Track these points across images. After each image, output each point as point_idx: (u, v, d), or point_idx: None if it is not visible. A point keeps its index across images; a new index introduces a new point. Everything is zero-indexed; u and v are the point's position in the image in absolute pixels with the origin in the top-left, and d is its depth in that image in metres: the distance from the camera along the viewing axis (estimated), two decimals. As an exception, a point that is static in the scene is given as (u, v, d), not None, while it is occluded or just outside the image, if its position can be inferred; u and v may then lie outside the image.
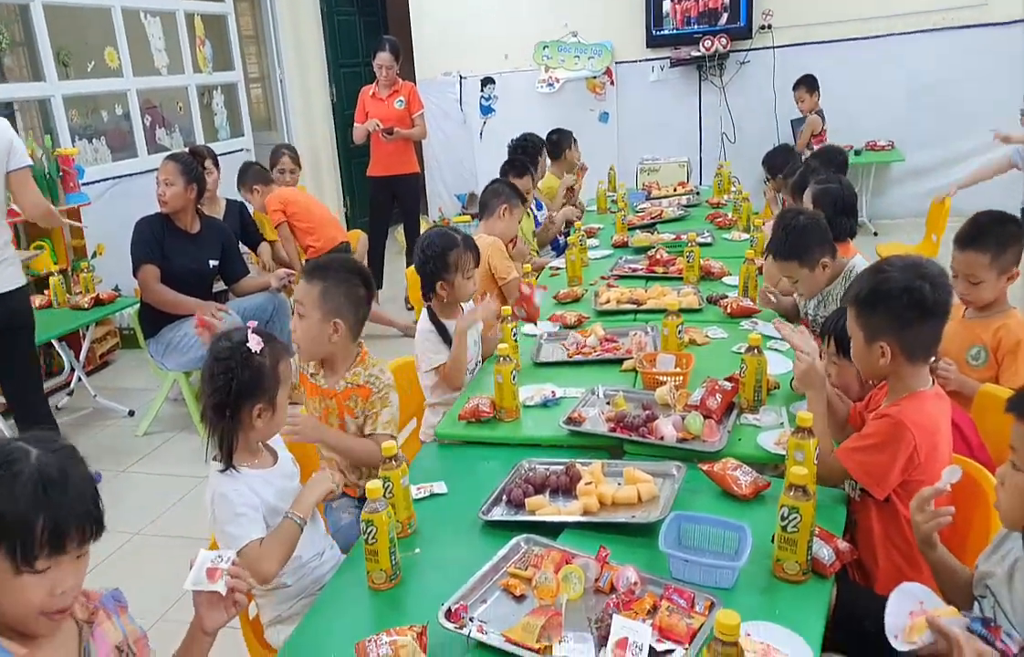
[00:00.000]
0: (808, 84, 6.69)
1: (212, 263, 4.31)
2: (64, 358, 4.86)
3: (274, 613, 1.88)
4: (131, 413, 4.64)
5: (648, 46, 7.65)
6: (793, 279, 2.80)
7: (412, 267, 4.13)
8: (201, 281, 4.23)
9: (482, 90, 8.25)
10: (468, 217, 7.62)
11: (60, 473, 1.16)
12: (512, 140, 5.05)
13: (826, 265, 2.75)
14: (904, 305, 1.83)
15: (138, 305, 4.33)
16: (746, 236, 4.40)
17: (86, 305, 4.46)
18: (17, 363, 3.47)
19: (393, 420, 2.32)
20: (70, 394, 4.93)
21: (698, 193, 5.75)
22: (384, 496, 1.68)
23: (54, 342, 4.69)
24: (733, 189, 5.64)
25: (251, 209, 5.15)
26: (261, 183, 5.11)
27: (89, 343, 5.00)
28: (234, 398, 1.76)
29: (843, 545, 1.67)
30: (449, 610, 1.49)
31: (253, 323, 1.85)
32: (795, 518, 1.54)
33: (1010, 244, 2.44)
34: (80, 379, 4.83)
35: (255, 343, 1.79)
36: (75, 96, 5.76)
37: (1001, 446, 1.69)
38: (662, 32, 7.56)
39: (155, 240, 4.08)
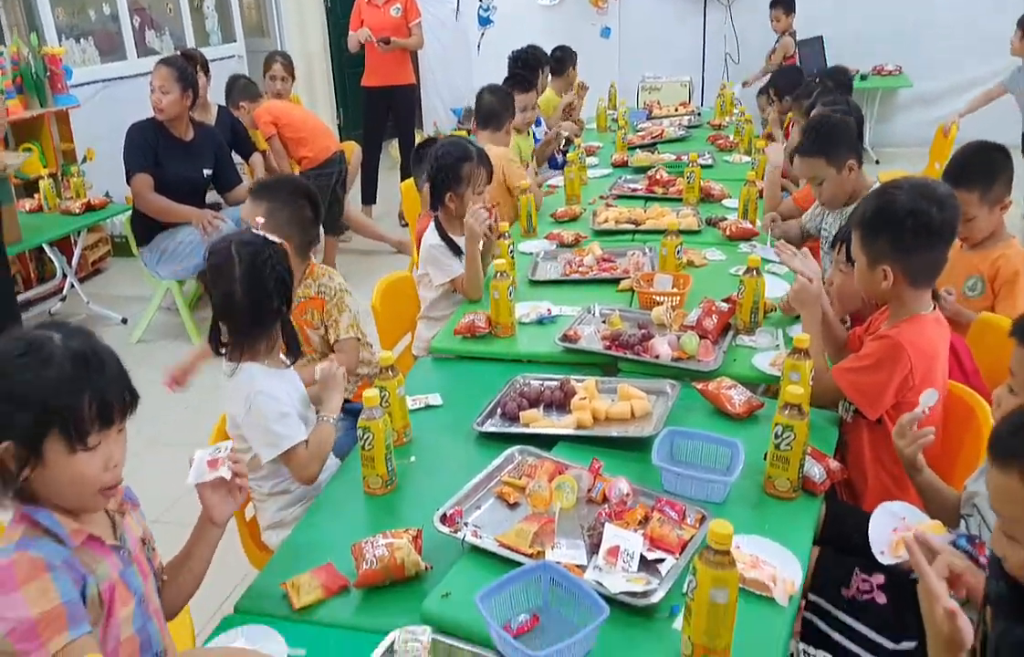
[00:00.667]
0: (785, 4, 6.53)
1: (206, 172, 4.24)
2: (56, 264, 4.81)
3: (273, 518, 1.91)
4: (124, 321, 4.62)
5: (654, -41, 7.44)
6: (818, 181, 2.75)
7: (407, 181, 4.08)
8: (195, 190, 4.17)
9: (480, 1, 8.01)
10: (464, 132, 7.49)
11: (90, 349, 1.18)
12: (513, 51, 4.92)
13: (852, 169, 2.71)
14: (908, 229, 1.81)
15: (130, 212, 4.27)
16: (747, 159, 4.36)
17: (77, 210, 4.40)
18: None
19: (354, 323, 2.34)
20: (63, 300, 4.90)
21: (699, 114, 5.66)
22: (380, 405, 1.69)
23: (45, 247, 4.63)
24: (735, 111, 5.55)
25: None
26: (248, 99, 4.96)
27: (81, 249, 4.95)
28: (287, 290, 1.81)
29: (834, 464, 1.70)
30: (444, 515, 1.51)
31: (259, 219, 1.84)
32: (789, 436, 1.56)
33: (998, 175, 2.40)
34: (72, 286, 4.79)
35: (271, 236, 1.81)
36: (60, -8, 5.56)
37: (996, 372, 1.71)
38: (668, -53, 7.34)
39: (149, 147, 3.99)
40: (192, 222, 4.00)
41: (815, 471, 1.64)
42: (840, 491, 1.95)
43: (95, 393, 1.16)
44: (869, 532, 1.46)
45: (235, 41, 7.21)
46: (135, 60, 6.00)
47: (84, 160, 5.24)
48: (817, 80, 4.27)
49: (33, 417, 1.13)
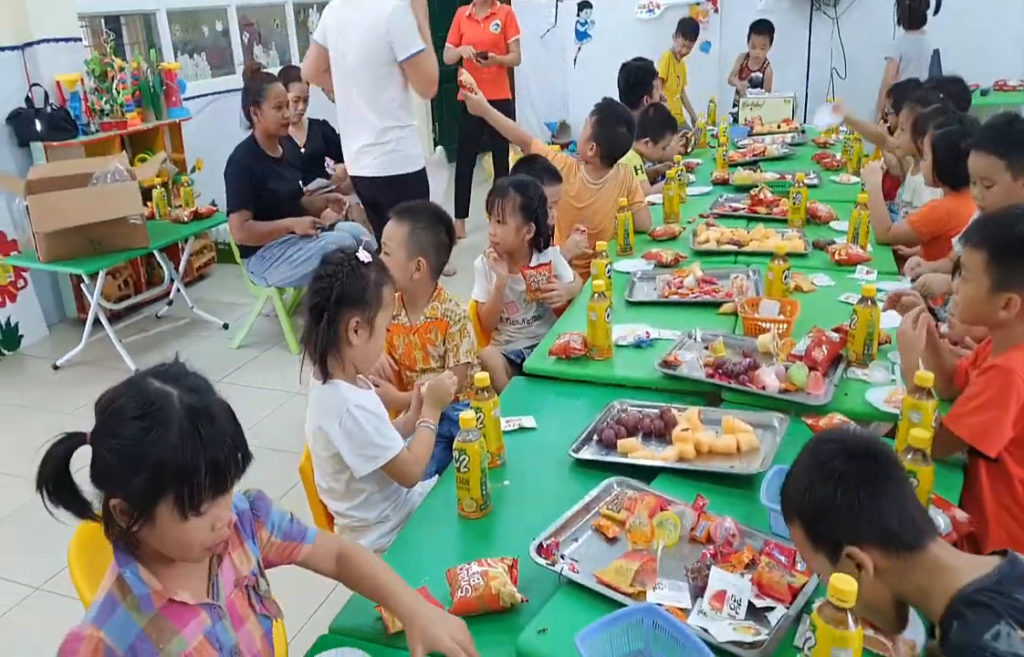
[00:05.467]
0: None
1: (299, 183, 4.40)
2: (164, 269, 5.03)
3: (374, 547, 1.86)
4: (225, 326, 4.79)
5: (757, -27, 7.26)
6: (987, 183, 2.54)
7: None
8: (294, 198, 4.31)
9: (578, 14, 7.99)
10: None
11: (207, 411, 1.13)
12: (622, 69, 4.83)
13: None
14: None
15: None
16: (856, 179, 4.17)
17: (186, 218, 4.61)
18: None
19: (472, 348, 2.41)
20: (169, 304, 5.12)
21: (803, 131, 5.45)
22: (476, 426, 1.66)
23: (155, 253, 4.85)
24: (843, 128, 5.33)
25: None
26: None
27: (188, 256, 5.16)
28: (334, 303, 1.77)
29: (960, 515, 1.57)
30: (541, 545, 1.47)
31: (364, 238, 1.86)
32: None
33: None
34: (179, 290, 5.00)
35: (364, 255, 1.82)
36: (178, 11, 5.87)
37: None
38: (773, -42, 7.15)
39: (247, 181, 4.05)
40: (296, 231, 4.11)
41: (940, 521, 1.51)
42: (960, 543, 1.80)
43: (211, 461, 1.11)
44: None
45: (337, 56, 7.41)
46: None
47: (193, 169, 5.47)
48: (934, 90, 4.02)
49: (148, 480, 1.09)
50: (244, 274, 4.37)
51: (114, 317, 4.73)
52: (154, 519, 1.12)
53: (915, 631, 1.29)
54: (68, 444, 1.14)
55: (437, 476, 2.00)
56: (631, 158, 4.08)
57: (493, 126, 3.76)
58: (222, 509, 1.17)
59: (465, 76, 3.62)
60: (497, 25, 5.74)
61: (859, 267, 2.90)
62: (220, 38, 6.29)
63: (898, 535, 1.17)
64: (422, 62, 3.52)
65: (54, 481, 1.13)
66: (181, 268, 5.08)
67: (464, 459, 1.61)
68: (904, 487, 1.21)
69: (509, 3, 6.66)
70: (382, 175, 3.66)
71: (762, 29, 6.59)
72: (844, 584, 1.06)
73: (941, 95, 3.84)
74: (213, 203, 5.10)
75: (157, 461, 1.08)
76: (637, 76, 4.73)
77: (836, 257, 2.97)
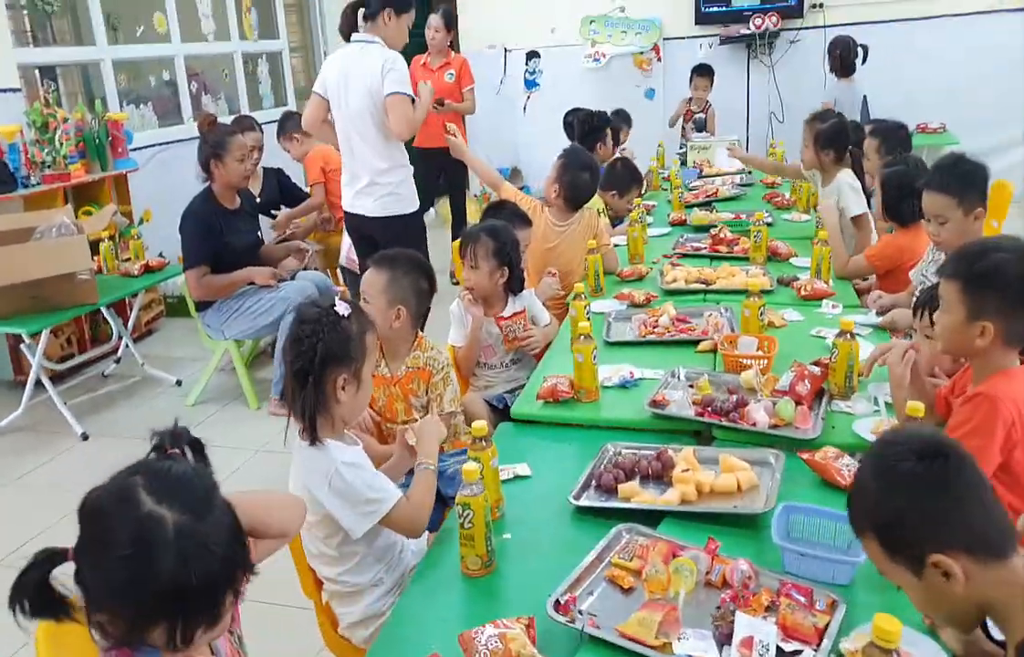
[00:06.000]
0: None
1: (258, 233, 4.30)
2: (112, 325, 4.82)
3: (368, 611, 1.80)
4: (179, 383, 4.62)
5: (697, 23, 7.50)
6: (940, 220, 2.62)
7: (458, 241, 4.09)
8: (255, 248, 4.21)
9: (527, 64, 8.11)
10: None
11: (202, 542, 1.05)
12: (576, 117, 4.94)
13: (978, 218, 2.58)
14: (1021, 291, 1.74)
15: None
16: (807, 217, 4.29)
17: (136, 272, 4.44)
18: None
19: (456, 396, 2.37)
20: (117, 361, 4.91)
21: (750, 172, 5.61)
22: (479, 479, 1.61)
23: (103, 309, 4.65)
24: (743, 169, 5.50)
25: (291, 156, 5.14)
26: (301, 132, 5.04)
27: (137, 310, 4.97)
28: (319, 364, 1.69)
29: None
30: (558, 601, 1.41)
31: (340, 289, 1.80)
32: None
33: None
34: (128, 346, 4.80)
35: (343, 308, 1.73)
36: (123, 61, 5.74)
37: None
38: (711, 9, 7.42)
39: (208, 234, 3.95)
40: (256, 282, 4.01)
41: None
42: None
43: (207, 596, 1.05)
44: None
45: (286, 104, 7.37)
46: (191, 124, 6.13)
47: (141, 221, 5.30)
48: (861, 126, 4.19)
49: (135, 615, 1.04)
50: (199, 328, 4.23)
51: (56, 378, 4.50)
52: (145, 640, 1.06)
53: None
54: (47, 565, 1.06)
55: (429, 533, 1.94)
56: (595, 201, 4.13)
57: (469, 167, 3.85)
58: (221, 628, 1.11)
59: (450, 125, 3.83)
60: (451, 74, 5.79)
61: (825, 301, 2.96)
62: (166, 88, 6.17)
63: (986, 536, 1.10)
64: (402, 103, 3.58)
65: (31, 602, 1.05)
66: (130, 323, 4.88)
67: (468, 514, 1.55)
68: (984, 487, 1.15)
69: (459, 52, 6.71)
70: (382, 215, 3.73)
71: (704, 72, 6.81)
72: (888, 624, 1.05)
73: (835, 113, 4.15)
74: (161, 255, 4.93)
75: (145, 598, 1.02)
76: (591, 123, 4.84)
77: (802, 292, 3.03)
